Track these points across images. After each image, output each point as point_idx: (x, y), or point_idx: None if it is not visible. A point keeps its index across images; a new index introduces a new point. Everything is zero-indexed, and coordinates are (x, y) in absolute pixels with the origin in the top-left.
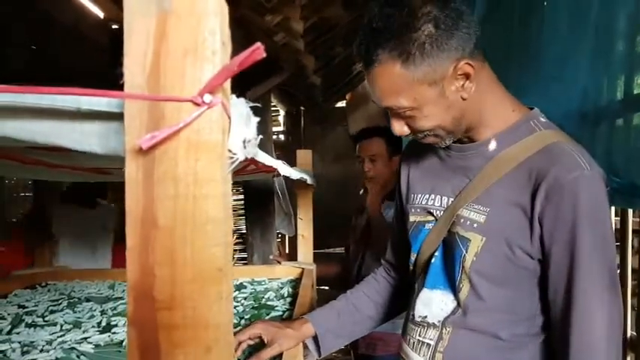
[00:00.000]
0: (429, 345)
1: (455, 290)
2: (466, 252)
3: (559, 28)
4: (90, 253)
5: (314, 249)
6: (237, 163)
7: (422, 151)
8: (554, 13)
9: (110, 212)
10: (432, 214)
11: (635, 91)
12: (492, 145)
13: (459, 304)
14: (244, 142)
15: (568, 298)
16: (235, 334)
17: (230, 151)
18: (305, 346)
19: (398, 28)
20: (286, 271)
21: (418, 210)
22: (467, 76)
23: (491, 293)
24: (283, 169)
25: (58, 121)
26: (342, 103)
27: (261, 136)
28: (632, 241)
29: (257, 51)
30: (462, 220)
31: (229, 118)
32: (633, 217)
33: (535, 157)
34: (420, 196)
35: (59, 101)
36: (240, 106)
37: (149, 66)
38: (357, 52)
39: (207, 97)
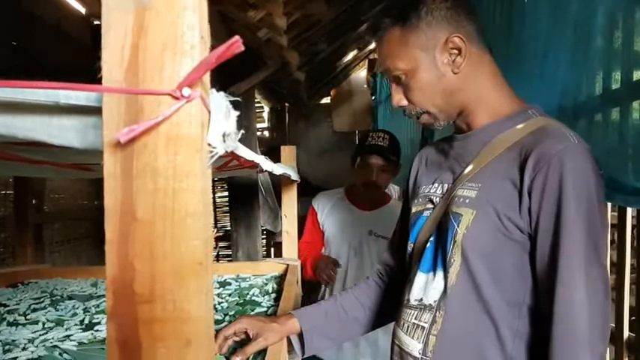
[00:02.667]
0: (423, 328)
1: (447, 267)
2: (458, 226)
3: (540, 25)
4: None
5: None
6: (216, 156)
7: (433, 150)
8: (535, 9)
9: None
10: (432, 201)
11: (613, 87)
12: (489, 131)
13: (447, 281)
14: (224, 135)
15: (552, 269)
16: (221, 329)
17: (210, 144)
18: (290, 344)
19: (405, 2)
20: (271, 268)
21: (420, 200)
22: (458, 51)
23: (481, 267)
24: (266, 164)
25: (35, 115)
26: (326, 100)
27: (242, 131)
28: (632, 241)
29: (235, 44)
30: (455, 199)
31: (209, 111)
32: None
33: (528, 137)
34: (424, 187)
35: (37, 95)
36: (220, 100)
37: (127, 60)
38: (368, 27)
39: (186, 91)
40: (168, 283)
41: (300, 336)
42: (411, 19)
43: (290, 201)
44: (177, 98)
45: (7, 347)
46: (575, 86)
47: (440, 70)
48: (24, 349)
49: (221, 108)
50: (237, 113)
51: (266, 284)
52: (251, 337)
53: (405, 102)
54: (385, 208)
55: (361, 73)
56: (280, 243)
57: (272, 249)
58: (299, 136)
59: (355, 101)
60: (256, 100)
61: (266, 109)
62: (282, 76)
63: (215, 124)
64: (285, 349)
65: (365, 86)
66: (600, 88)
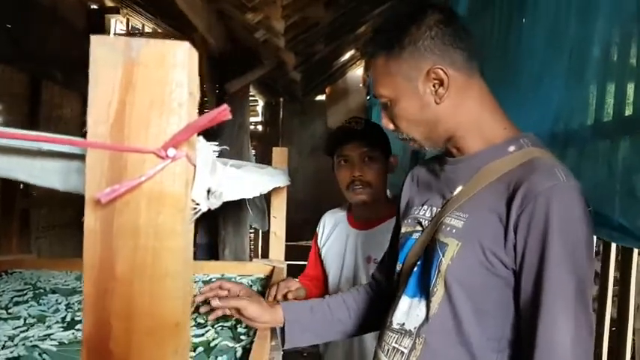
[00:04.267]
0: (402, 353)
1: (429, 295)
2: (443, 256)
3: (536, 47)
4: None
5: (287, 241)
6: (199, 213)
7: (423, 170)
8: (532, 31)
9: None
10: (420, 224)
11: (605, 119)
12: (480, 158)
13: (428, 309)
14: (208, 192)
15: (535, 308)
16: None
17: (193, 201)
18: (273, 334)
19: (392, 28)
20: (257, 268)
21: (409, 221)
22: (441, 82)
23: (463, 299)
24: (255, 191)
25: (19, 156)
26: (321, 97)
27: (222, 191)
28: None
29: (223, 112)
30: (443, 227)
31: (194, 165)
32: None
33: (517, 169)
34: (414, 208)
35: (20, 142)
36: (206, 153)
37: (113, 116)
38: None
39: (172, 151)
40: (146, 342)
41: (283, 327)
42: (394, 48)
43: (279, 202)
44: (162, 157)
45: None
46: (568, 114)
47: (423, 99)
48: (4, 347)
49: (207, 162)
50: (223, 167)
51: (251, 286)
52: (248, 315)
53: (391, 126)
54: (387, 225)
55: (357, 72)
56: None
57: (260, 247)
58: (293, 132)
59: (350, 99)
60: (250, 94)
61: (260, 103)
62: (278, 75)
63: (200, 179)
64: (268, 339)
65: (361, 85)
66: (592, 119)
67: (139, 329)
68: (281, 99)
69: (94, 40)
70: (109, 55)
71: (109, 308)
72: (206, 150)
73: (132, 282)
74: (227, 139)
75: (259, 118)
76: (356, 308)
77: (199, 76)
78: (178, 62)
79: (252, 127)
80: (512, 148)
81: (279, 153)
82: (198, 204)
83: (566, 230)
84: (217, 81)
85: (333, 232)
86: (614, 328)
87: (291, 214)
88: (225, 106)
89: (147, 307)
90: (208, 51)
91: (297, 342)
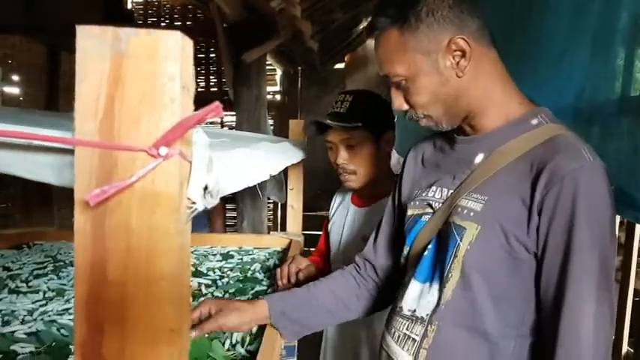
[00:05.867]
0: (414, 340)
1: (443, 281)
2: (460, 241)
3: (559, 21)
4: None
5: (305, 212)
6: (195, 212)
7: (428, 147)
8: (557, 5)
9: None
10: (430, 206)
11: (632, 94)
12: (496, 137)
13: (441, 295)
14: (205, 190)
15: (559, 292)
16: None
17: (189, 199)
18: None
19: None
20: (274, 241)
21: (417, 203)
22: (462, 54)
23: (481, 285)
24: (260, 176)
25: (11, 151)
26: (340, 65)
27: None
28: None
29: (216, 109)
30: (459, 210)
31: (190, 162)
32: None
33: (539, 148)
34: (422, 190)
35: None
36: (203, 150)
37: (102, 111)
38: (367, 25)
39: (163, 150)
40: (139, 348)
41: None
42: (409, 21)
43: (296, 175)
44: (153, 156)
45: (6, 318)
46: (592, 90)
47: (443, 74)
48: (23, 321)
49: (203, 159)
50: (219, 164)
51: (268, 259)
52: (212, 314)
53: (405, 106)
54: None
55: None
56: None
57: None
58: (311, 101)
59: (370, 68)
60: (268, 63)
61: (279, 72)
62: (295, 44)
63: (196, 177)
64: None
65: None
66: (618, 94)
67: (132, 335)
68: (299, 68)
69: (80, 30)
70: (97, 47)
71: (101, 312)
72: (203, 145)
73: (125, 285)
74: (244, 111)
75: (278, 87)
76: (344, 297)
77: (214, 44)
78: (170, 53)
79: (270, 96)
80: (529, 126)
81: (295, 125)
82: (194, 203)
83: (594, 214)
84: (233, 51)
85: (339, 208)
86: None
87: (309, 184)
88: (217, 104)
89: (141, 311)
90: (224, 20)
91: (289, 335)
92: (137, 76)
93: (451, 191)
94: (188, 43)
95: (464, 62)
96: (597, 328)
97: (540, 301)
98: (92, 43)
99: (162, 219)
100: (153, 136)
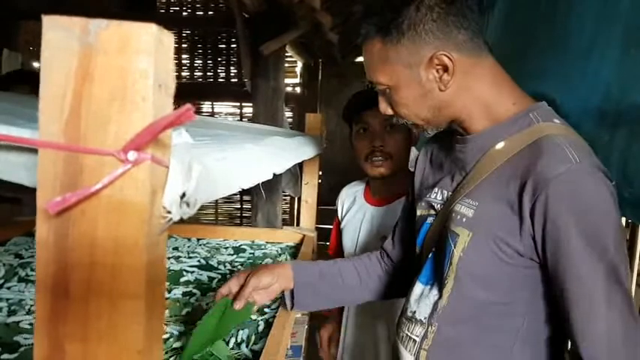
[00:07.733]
0: (415, 341)
1: (441, 286)
2: (454, 247)
3: (587, 17)
4: None
5: (324, 206)
6: (171, 223)
7: (436, 146)
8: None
9: None
10: (433, 207)
11: None
12: (487, 138)
13: (439, 299)
14: (182, 198)
15: (567, 301)
16: (226, 285)
17: (164, 208)
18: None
19: (387, 9)
20: (287, 236)
21: (423, 204)
22: (444, 68)
23: (476, 290)
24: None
25: None
26: (360, 59)
27: (197, 199)
28: None
29: (187, 113)
30: (453, 215)
31: (167, 167)
32: None
33: (524, 151)
34: (428, 190)
35: None
36: (183, 153)
37: (68, 110)
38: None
39: (132, 155)
40: None
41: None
42: (391, 33)
43: (312, 169)
44: (122, 161)
45: (12, 308)
46: (620, 90)
47: (425, 87)
48: (29, 312)
49: (183, 163)
50: (199, 169)
51: (280, 254)
52: (264, 285)
53: (390, 111)
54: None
55: None
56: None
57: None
58: (331, 94)
59: None
60: (289, 55)
61: (299, 64)
62: (315, 37)
63: (173, 183)
64: (292, 316)
65: None
66: None
67: (95, 356)
68: (320, 60)
69: (46, 21)
70: (63, 40)
71: (62, 331)
72: (183, 148)
73: (87, 303)
74: (261, 103)
75: (298, 80)
76: (367, 278)
77: (235, 35)
78: (142, 47)
79: (290, 88)
80: (519, 126)
81: (312, 119)
82: (169, 212)
83: (585, 219)
84: (252, 42)
85: (352, 208)
86: None
87: (327, 178)
88: (188, 106)
89: (104, 331)
90: (243, 11)
91: (304, 306)
92: (107, 73)
93: (450, 194)
94: (167, 37)
95: (447, 77)
96: (610, 330)
97: (548, 305)
98: (59, 35)
99: (130, 231)
100: (122, 139)
